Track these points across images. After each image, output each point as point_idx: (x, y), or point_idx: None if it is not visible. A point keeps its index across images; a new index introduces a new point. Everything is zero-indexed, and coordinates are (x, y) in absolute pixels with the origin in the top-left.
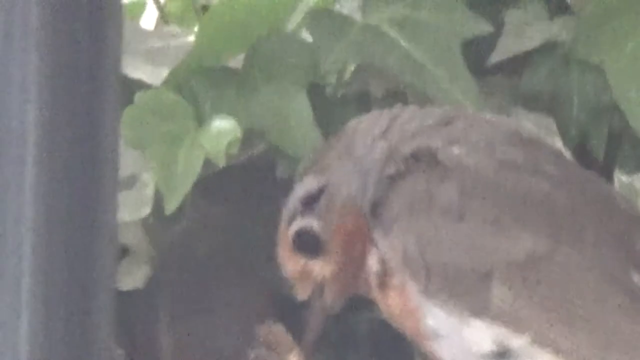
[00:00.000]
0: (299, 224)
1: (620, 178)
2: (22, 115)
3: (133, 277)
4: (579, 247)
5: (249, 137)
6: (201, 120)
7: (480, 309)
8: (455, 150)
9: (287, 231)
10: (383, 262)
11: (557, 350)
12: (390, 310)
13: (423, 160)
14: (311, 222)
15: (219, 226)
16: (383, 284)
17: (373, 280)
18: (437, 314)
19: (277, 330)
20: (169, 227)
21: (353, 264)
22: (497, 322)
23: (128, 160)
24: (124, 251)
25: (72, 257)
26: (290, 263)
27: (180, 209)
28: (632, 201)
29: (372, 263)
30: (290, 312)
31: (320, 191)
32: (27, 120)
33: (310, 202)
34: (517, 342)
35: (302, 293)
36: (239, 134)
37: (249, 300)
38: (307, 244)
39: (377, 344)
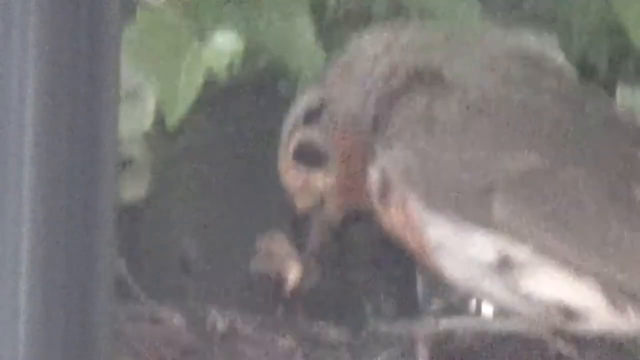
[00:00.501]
0: (300, 136)
1: (623, 91)
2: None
3: (135, 189)
4: (580, 161)
5: (251, 54)
6: (203, 37)
7: (482, 221)
8: (457, 66)
9: (289, 143)
10: (384, 175)
11: (558, 260)
12: (392, 223)
13: (425, 76)
14: (312, 134)
15: (221, 143)
16: (384, 197)
17: (374, 194)
18: (439, 225)
19: (279, 239)
20: (171, 142)
21: (353, 176)
22: (499, 233)
23: (130, 74)
24: (127, 163)
25: (74, 171)
26: (291, 175)
27: (182, 123)
28: (633, 114)
29: (374, 176)
30: (292, 226)
31: (322, 105)
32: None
33: (312, 116)
34: (518, 252)
35: (302, 205)
36: (241, 48)
37: (251, 214)
38: (308, 155)
39: (377, 257)
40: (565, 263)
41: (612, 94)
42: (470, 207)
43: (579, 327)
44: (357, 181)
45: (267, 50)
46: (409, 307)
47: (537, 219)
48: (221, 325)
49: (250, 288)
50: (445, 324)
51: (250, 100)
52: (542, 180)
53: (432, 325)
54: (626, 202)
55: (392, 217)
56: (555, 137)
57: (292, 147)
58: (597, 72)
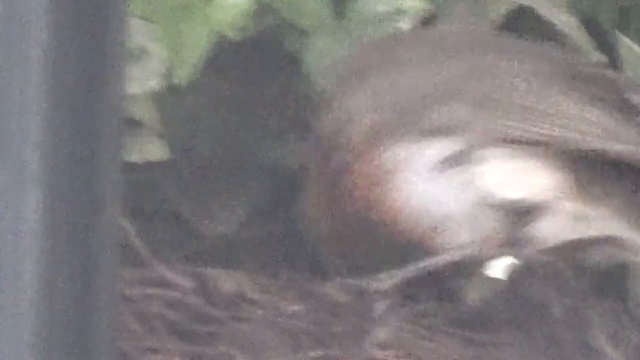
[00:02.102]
0: None
1: (626, 42)
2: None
3: (143, 150)
4: (518, 58)
5: (259, 13)
6: None
7: (434, 127)
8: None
9: None
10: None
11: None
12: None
13: None
14: None
15: (230, 102)
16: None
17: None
18: (398, 146)
19: None
20: (180, 102)
21: None
22: (444, 135)
23: (137, 32)
24: (135, 124)
25: (80, 130)
26: None
27: (191, 83)
28: None
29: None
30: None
31: None
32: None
33: None
34: (468, 142)
35: None
36: (250, 5)
37: (261, 171)
38: None
39: None
40: (516, 145)
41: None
42: (417, 116)
43: (535, 231)
44: None
45: (276, 8)
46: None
47: (471, 105)
48: (229, 288)
49: (258, 250)
50: (401, 274)
51: (258, 59)
52: (468, 74)
53: (390, 275)
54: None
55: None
56: (487, 46)
57: None
58: (605, 30)
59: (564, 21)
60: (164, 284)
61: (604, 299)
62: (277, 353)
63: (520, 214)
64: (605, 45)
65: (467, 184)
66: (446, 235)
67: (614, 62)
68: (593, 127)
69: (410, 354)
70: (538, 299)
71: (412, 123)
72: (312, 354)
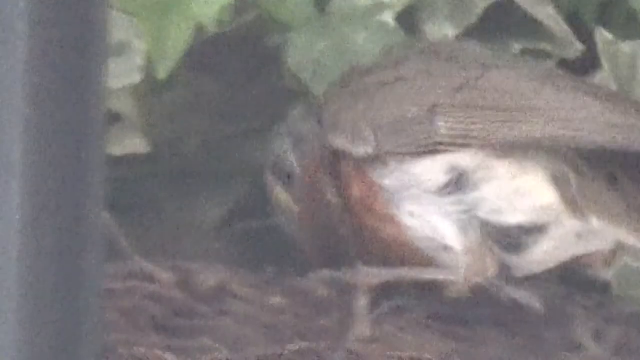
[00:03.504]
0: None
1: (605, 36)
2: None
3: (124, 144)
4: (508, 66)
5: (240, 7)
6: None
7: (427, 146)
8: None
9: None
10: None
11: (507, 160)
12: (355, 199)
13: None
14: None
15: (210, 97)
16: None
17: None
18: (391, 171)
19: None
20: (161, 96)
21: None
22: (445, 152)
23: (119, 27)
24: (115, 118)
25: (62, 126)
26: None
27: (172, 79)
28: None
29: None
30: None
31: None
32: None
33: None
34: (466, 160)
35: None
36: (230, 1)
37: (242, 166)
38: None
39: None
40: (517, 158)
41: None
42: (415, 136)
43: (534, 255)
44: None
45: (257, 2)
46: None
47: (480, 118)
48: (211, 282)
49: (241, 244)
50: (384, 273)
51: (239, 54)
52: (477, 85)
53: (372, 274)
54: (558, 82)
55: (355, 190)
56: (482, 59)
57: None
58: (586, 26)
59: (545, 14)
60: (146, 277)
61: (587, 294)
62: (260, 347)
63: (520, 236)
64: (587, 39)
65: (465, 212)
66: (439, 256)
67: (594, 56)
68: (592, 123)
69: (391, 348)
70: (519, 294)
71: (409, 143)
72: (294, 347)
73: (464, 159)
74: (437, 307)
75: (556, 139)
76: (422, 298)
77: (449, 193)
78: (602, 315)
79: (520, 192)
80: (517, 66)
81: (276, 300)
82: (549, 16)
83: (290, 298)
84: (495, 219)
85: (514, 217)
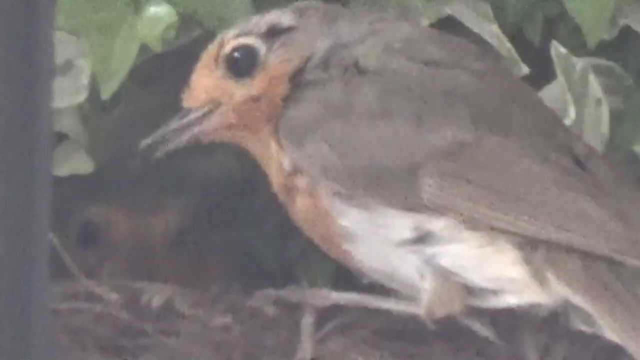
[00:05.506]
0: (244, 39)
1: (560, 51)
2: None
3: (69, 164)
4: (505, 133)
5: (185, 23)
6: (137, 8)
7: (404, 202)
8: (376, 54)
9: (224, 45)
10: (295, 167)
11: (484, 231)
12: (300, 211)
13: (342, 66)
14: (257, 42)
15: (155, 113)
16: (292, 186)
17: (280, 172)
18: (354, 214)
19: None
20: (105, 115)
21: (263, 108)
22: (422, 211)
23: (64, 46)
24: (61, 137)
25: (8, 146)
26: (209, 77)
27: (116, 96)
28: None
29: (284, 162)
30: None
31: (290, 29)
32: None
33: (274, 32)
34: (438, 225)
35: (191, 101)
36: (175, 19)
37: (192, 186)
38: (240, 62)
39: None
40: (490, 233)
41: (544, 63)
42: (394, 189)
43: (492, 303)
44: (261, 117)
45: (201, 20)
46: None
47: (465, 190)
48: (157, 302)
49: (187, 263)
50: (334, 296)
51: (185, 69)
52: (467, 152)
53: (322, 295)
54: (556, 166)
55: (298, 200)
56: (479, 112)
57: (230, 47)
58: (531, 42)
59: (489, 32)
60: (92, 297)
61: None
62: None
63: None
64: (533, 56)
65: (425, 262)
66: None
67: (544, 73)
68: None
69: None
70: (472, 323)
71: (385, 195)
72: None
73: (437, 224)
74: (384, 323)
75: (548, 241)
76: (369, 314)
77: (410, 245)
78: (549, 331)
79: (486, 261)
80: (514, 129)
81: (223, 319)
82: (492, 34)
83: (238, 317)
84: (458, 272)
85: (477, 279)
